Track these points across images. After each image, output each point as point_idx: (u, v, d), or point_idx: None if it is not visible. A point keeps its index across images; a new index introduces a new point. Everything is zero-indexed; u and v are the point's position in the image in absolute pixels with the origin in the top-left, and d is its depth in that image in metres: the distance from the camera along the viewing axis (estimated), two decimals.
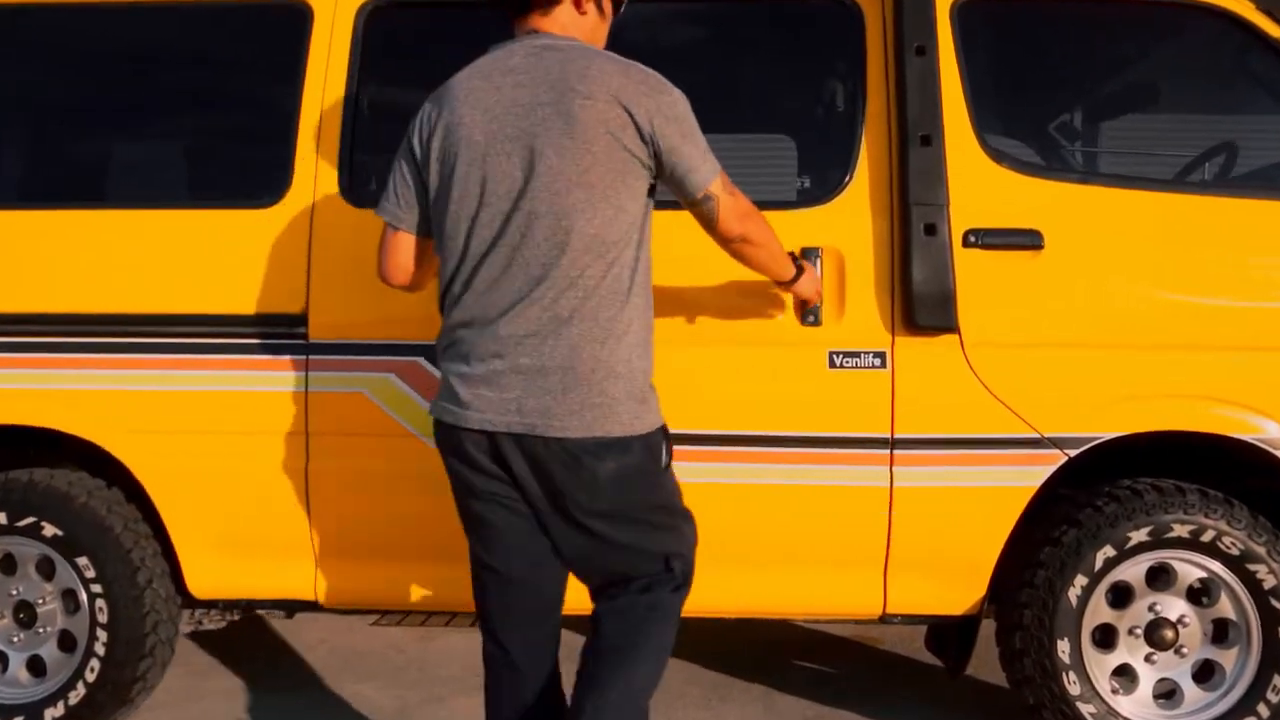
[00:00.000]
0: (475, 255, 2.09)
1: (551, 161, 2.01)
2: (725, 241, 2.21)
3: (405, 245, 2.26)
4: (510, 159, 2.04)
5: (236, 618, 3.42)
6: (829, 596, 2.82)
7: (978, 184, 2.73)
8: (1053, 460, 2.70)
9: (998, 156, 2.75)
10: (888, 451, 2.71)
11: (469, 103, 2.09)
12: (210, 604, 3.07)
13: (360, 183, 2.91)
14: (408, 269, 2.28)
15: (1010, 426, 2.69)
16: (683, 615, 2.24)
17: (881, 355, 2.70)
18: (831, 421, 2.72)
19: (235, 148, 3.10)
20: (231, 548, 2.93)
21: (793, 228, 2.73)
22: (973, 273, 2.70)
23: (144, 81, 3.10)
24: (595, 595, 2.25)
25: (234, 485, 2.88)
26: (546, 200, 2.02)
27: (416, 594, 2.93)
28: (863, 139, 2.78)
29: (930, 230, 2.69)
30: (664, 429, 2.17)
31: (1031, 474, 2.71)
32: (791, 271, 2.43)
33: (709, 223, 2.17)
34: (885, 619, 2.86)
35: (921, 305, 2.68)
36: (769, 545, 2.78)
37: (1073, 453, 2.69)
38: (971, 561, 2.77)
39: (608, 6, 2.25)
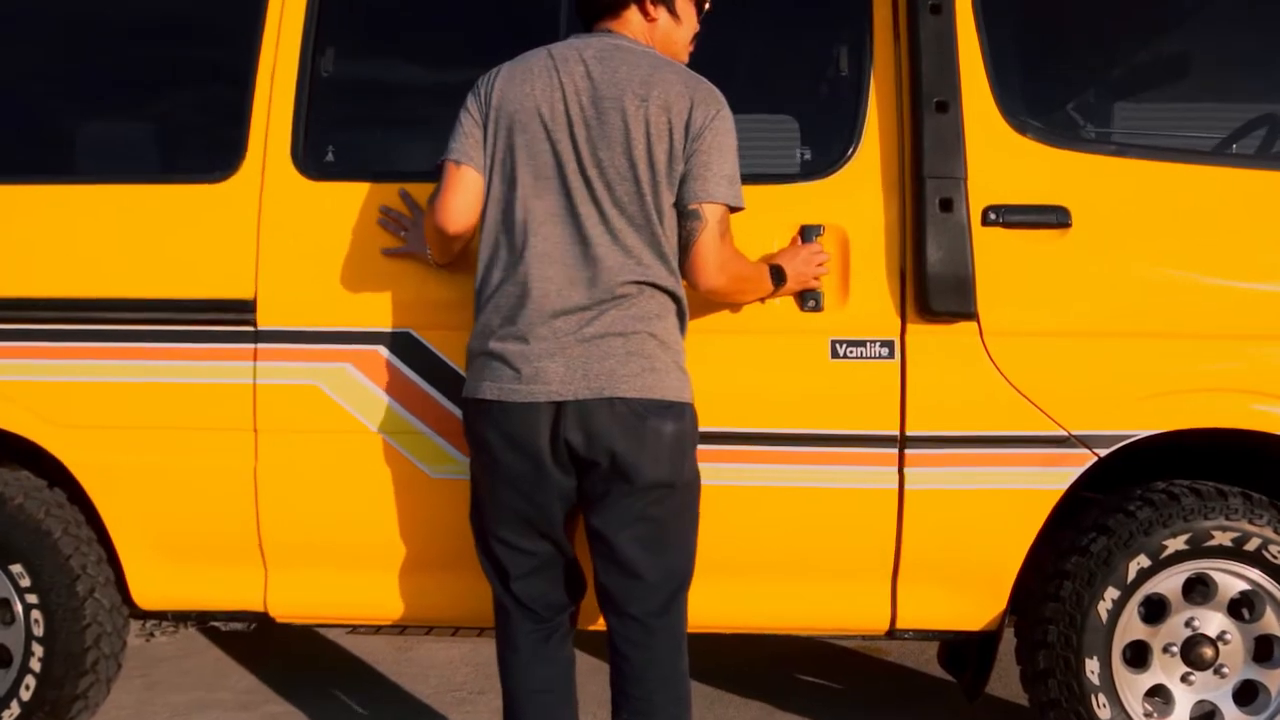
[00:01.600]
0: (527, 234, 2.16)
1: (603, 154, 2.14)
2: (694, 284, 2.23)
3: (472, 183, 2.24)
4: (570, 141, 2.16)
5: (191, 629, 3.17)
6: (828, 610, 2.60)
7: (999, 155, 2.50)
8: (1081, 461, 2.47)
9: (1021, 125, 2.52)
10: (896, 451, 2.48)
11: (542, 77, 2.19)
12: (159, 615, 2.82)
13: (316, 153, 2.67)
14: (469, 214, 2.25)
15: (1034, 423, 2.47)
16: None
17: (890, 345, 2.48)
18: (833, 418, 2.50)
19: (178, 117, 2.86)
20: (178, 555, 2.69)
21: (791, 203, 2.51)
22: (993, 254, 2.47)
23: (79, 46, 2.85)
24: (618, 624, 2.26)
25: (178, 487, 2.65)
26: (591, 191, 2.15)
27: (377, 607, 2.69)
28: (869, 106, 2.54)
29: (946, 206, 2.46)
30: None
31: (1057, 476, 2.48)
32: (769, 287, 2.41)
33: (685, 247, 2.19)
34: (894, 634, 2.64)
35: (936, 289, 2.45)
36: (761, 554, 2.56)
37: (1103, 452, 2.47)
38: (990, 572, 2.54)
39: (684, 11, 2.33)
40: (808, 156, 2.65)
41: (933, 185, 2.46)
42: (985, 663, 2.66)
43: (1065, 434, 2.46)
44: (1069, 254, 2.47)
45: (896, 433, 2.48)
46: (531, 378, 2.15)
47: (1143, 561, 2.49)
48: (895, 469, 2.49)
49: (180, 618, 2.84)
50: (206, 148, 2.70)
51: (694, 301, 2.35)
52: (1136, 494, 2.55)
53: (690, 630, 2.30)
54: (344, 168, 2.68)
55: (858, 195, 2.52)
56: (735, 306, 2.46)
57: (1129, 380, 2.46)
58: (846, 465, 2.50)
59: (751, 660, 3.65)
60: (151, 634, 3.05)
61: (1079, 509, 2.59)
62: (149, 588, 2.73)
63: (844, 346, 2.50)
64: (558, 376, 2.14)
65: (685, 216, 2.19)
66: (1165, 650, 2.54)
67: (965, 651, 2.82)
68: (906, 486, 2.50)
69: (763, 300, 2.45)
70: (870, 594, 2.57)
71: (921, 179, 2.47)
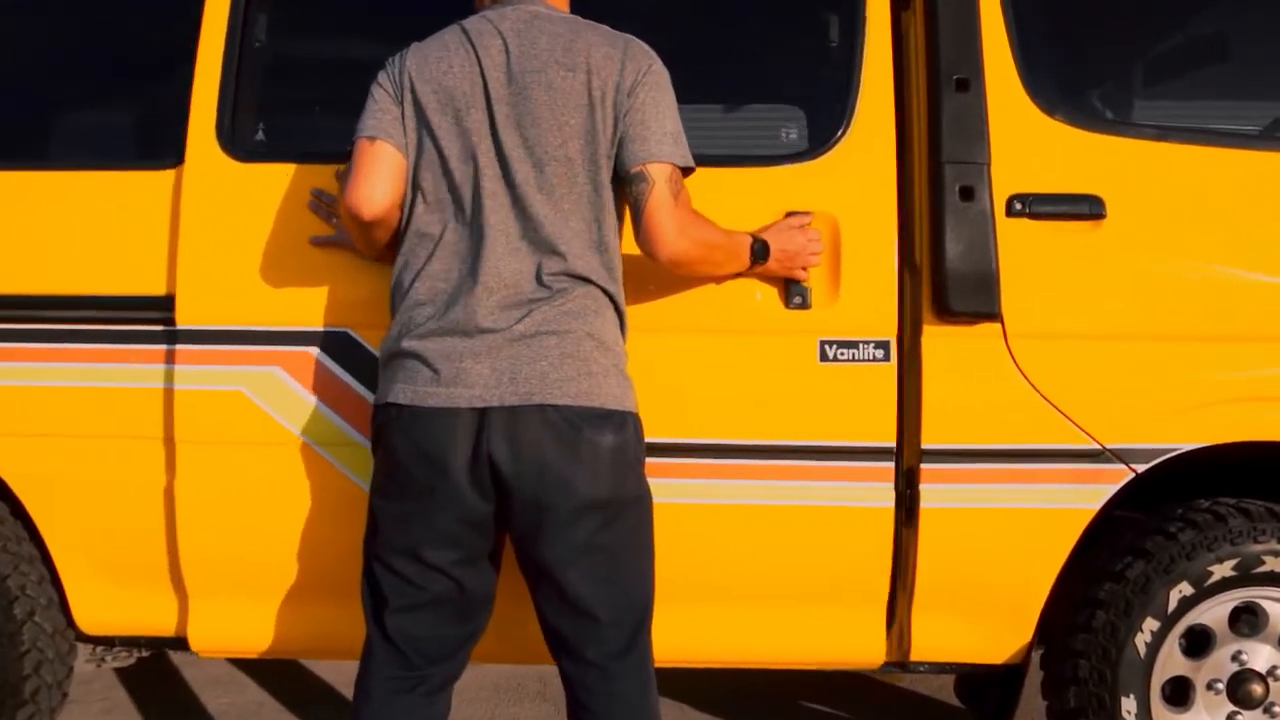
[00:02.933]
0: (448, 215, 1.99)
1: (529, 132, 1.95)
2: (654, 254, 1.98)
3: (388, 159, 2.00)
4: (492, 121, 1.96)
5: (146, 654, 2.95)
6: (814, 642, 2.35)
7: (1025, 139, 2.28)
8: (1116, 477, 2.25)
9: (1049, 106, 2.29)
10: (892, 465, 2.26)
11: (458, 54, 2.00)
12: (104, 640, 2.60)
13: (244, 133, 2.42)
14: (386, 195, 2.00)
15: (1064, 436, 2.24)
16: None
17: (885, 346, 2.25)
18: (821, 428, 2.26)
19: (88, 94, 2.61)
20: (114, 575, 2.47)
21: (774, 189, 2.27)
22: (1019, 247, 2.25)
23: None
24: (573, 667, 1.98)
25: (102, 500, 2.41)
26: (531, 173, 1.95)
27: (309, 639, 2.44)
28: (862, 81, 2.30)
29: (967, 195, 2.24)
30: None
31: (1090, 494, 2.26)
32: (746, 260, 2.15)
33: (636, 215, 1.97)
34: (909, 667, 2.42)
35: (956, 287, 2.23)
36: (738, 580, 2.32)
37: (1140, 468, 2.25)
38: (1015, 600, 2.32)
39: None
40: (793, 136, 2.40)
41: (952, 171, 2.24)
42: (1009, 699, 2.45)
43: (1099, 448, 2.24)
44: (1103, 248, 2.25)
45: (893, 445, 2.26)
46: (452, 379, 1.91)
47: (1185, 589, 2.26)
48: (891, 485, 2.27)
49: (127, 643, 2.61)
50: (121, 127, 2.47)
51: (664, 296, 2.15)
52: (1177, 514, 2.32)
53: (658, 665, 2.06)
54: (276, 148, 2.43)
55: (850, 179, 2.28)
56: (704, 283, 2.19)
57: (1169, 388, 2.24)
58: (836, 481, 2.27)
59: (755, 681, 3.43)
60: (102, 659, 2.83)
61: (1113, 530, 2.36)
62: (90, 610, 2.51)
63: (834, 348, 2.26)
64: (482, 379, 1.90)
65: (630, 182, 1.96)
66: (1209, 687, 2.32)
67: (985, 685, 2.61)
68: (922, 505, 2.27)
69: (741, 275, 2.19)
70: (862, 623, 2.34)
71: (939, 165, 2.25)
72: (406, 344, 1.96)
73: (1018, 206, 2.25)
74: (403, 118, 2.00)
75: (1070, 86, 2.36)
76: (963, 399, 2.27)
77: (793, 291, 2.25)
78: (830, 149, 2.30)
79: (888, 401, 2.25)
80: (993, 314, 2.24)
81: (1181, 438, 2.24)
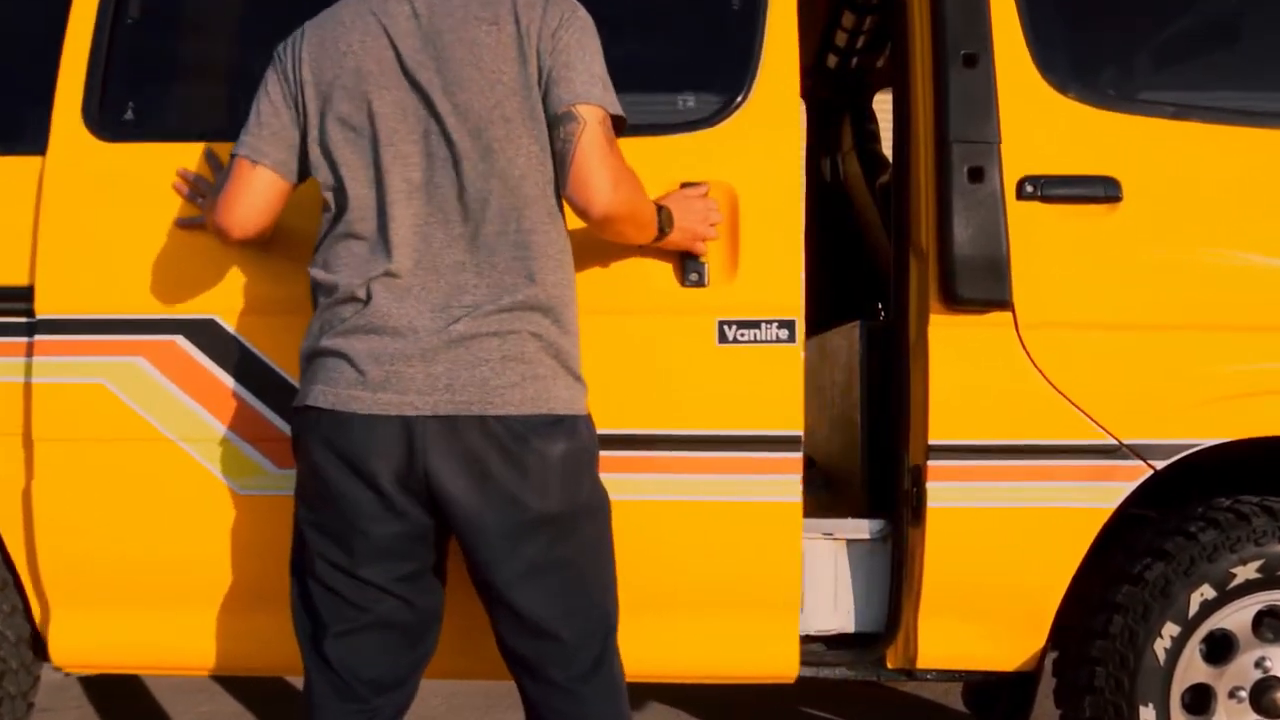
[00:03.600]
0: (374, 209, 1.78)
1: (459, 97, 1.75)
2: (584, 208, 1.76)
3: (265, 187, 1.86)
4: (413, 95, 1.76)
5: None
6: (718, 652, 2.19)
7: (1036, 118, 2.17)
8: (1133, 474, 2.14)
9: (1062, 83, 2.18)
10: (799, 455, 2.12)
11: (358, 28, 1.80)
12: None
13: (113, 111, 2.27)
14: (260, 219, 1.88)
15: (1079, 431, 2.13)
16: None
17: (789, 326, 2.11)
18: (720, 416, 2.12)
19: None
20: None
21: (670, 158, 2.12)
22: (1030, 232, 2.15)
23: None
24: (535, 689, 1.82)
25: None
26: (459, 141, 1.75)
27: (177, 653, 2.28)
28: (764, 44, 2.16)
29: (976, 176, 2.13)
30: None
31: (1106, 492, 2.15)
32: (654, 231, 1.96)
33: (562, 161, 1.75)
34: (915, 674, 2.30)
35: (965, 274, 2.12)
36: (633, 584, 2.11)
37: (1159, 464, 2.14)
38: (1027, 604, 2.20)
39: None
40: (690, 103, 2.25)
41: (960, 151, 2.13)
42: (1020, 708, 2.35)
43: (1115, 443, 2.13)
44: (1119, 232, 2.15)
45: (799, 433, 2.12)
46: (381, 383, 1.72)
47: (1207, 592, 2.14)
48: (798, 478, 2.13)
49: None
50: None
51: None
52: (1198, 512, 2.20)
53: None
54: (145, 127, 2.29)
55: (750, 148, 2.14)
56: (628, 240, 1.97)
57: (1190, 380, 2.13)
58: (738, 474, 2.12)
59: (749, 690, 3.30)
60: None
61: (1130, 530, 2.25)
62: (39, 619, 2.37)
63: (734, 329, 2.11)
64: (415, 385, 1.70)
65: (557, 124, 1.74)
66: (1231, 695, 2.20)
67: (995, 692, 2.49)
68: (929, 504, 2.16)
69: (647, 246, 2.02)
70: (771, 632, 2.18)
71: (946, 144, 2.14)
72: (328, 342, 1.77)
73: (1029, 189, 2.14)
74: (299, 118, 1.82)
75: (1083, 62, 2.24)
76: (971, 392, 2.16)
77: (688, 268, 2.10)
78: (729, 116, 2.15)
79: (793, 386, 2.11)
80: (1003, 302, 2.13)
81: (1202, 433, 2.13)
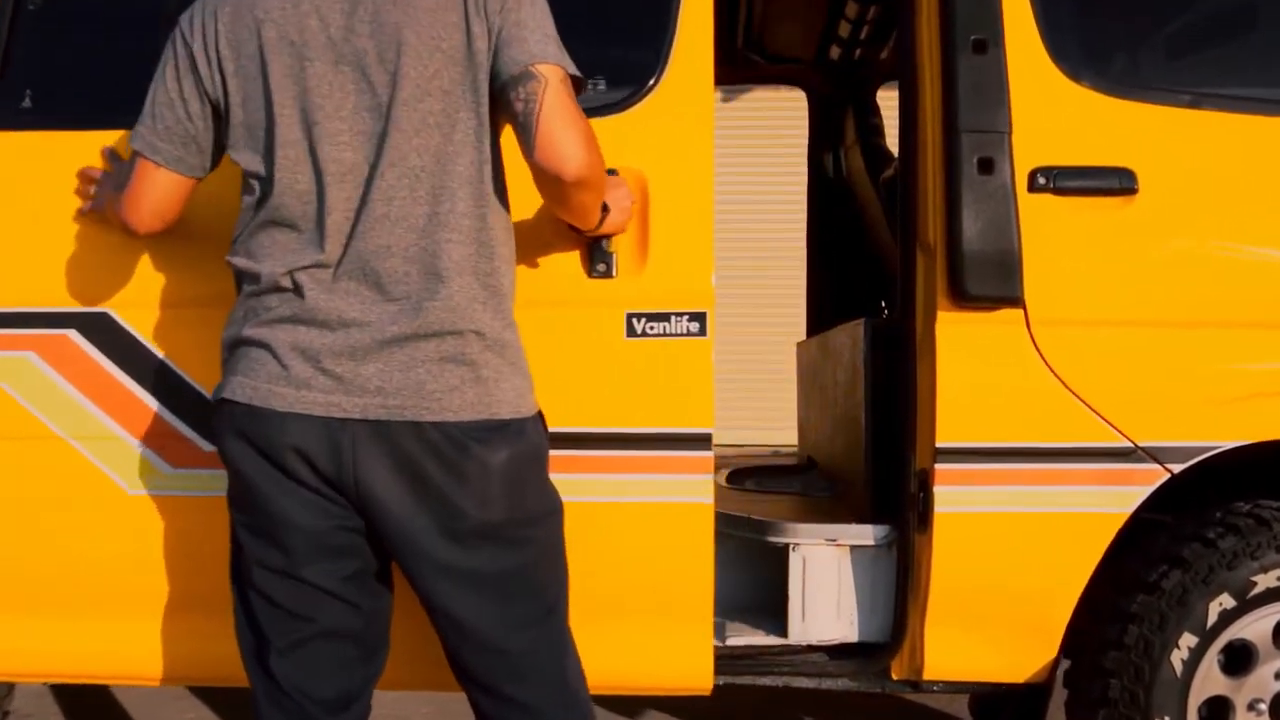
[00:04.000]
0: (301, 192, 1.62)
1: (394, 66, 1.57)
2: (556, 171, 1.56)
3: (167, 183, 1.72)
4: (341, 68, 1.59)
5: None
6: (624, 663, 2.10)
7: (1049, 107, 2.09)
8: (1149, 478, 2.06)
9: (1075, 70, 2.10)
10: (710, 454, 2.03)
11: (269, 4, 1.62)
12: None
13: (10, 99, 2.18)
14: (167, 214, 1.76)
15: (1093, 433, 2.06)
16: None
17: (700, 319, 2.03)
18: (628, 412, 2.03)
19: None
20: None
21: None
22: (1042, 225, 2.07)
23: None
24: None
25: None
26: (394, 115, 1.58)
27: (73, 661, 2.18)
28: (677, 26, 2.06)
29: (986, 167, 2.05)
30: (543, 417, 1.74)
31: (1120, 496, 2.07)
32: (598, 217, 1.83)
33: (526, 124, 1.54)
34: (921, 686, 2.22)
35: (974, 269, 2.04)
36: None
37: (1176, 468, 2.06)
38: (1038, 613, 2.12)
39: None
40: (600, 86, 2.15)
41: (970, 141, 2.05)
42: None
43: (1130, 446, 2.06)
44: (1135, 226, 2.07)
45: (709, 431, 2.03)
46: (305, 380, 1.57)
47: (1226, 601, 2.06)
48: (709, 478, 2.04)
49: None
50: None
51: None
52: (1216, 517, 2.12)
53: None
54: (42, 115, 2.19)
55: (662, 134, 2.05)
56: (578, 216, 1.82)
57: (1208, 380, 2.06)
58: (646, 474, 2.03)
59: (745, 693, 3.22)
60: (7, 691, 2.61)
61: (1145, 536, 2.17)
62: None
63: (642, 321, 2.03)
64: (343, 385, 1.56)
65: (515, 84, 1.55)
66: (1251, 708, 2.12)
67: (1001, 704, 2.41)
68: (936, 509, 2.08)
69: (583, 234, 1.92)
70: (682, 641, 2.09)
71: (955, 134, 2.06)
72: (251, 331, 1.62)
73: (1041, 180, 2.07)
74: (218, 93, 1.64)
75: (1097, 48, 2.17)
76: (980, 392, 2.08)
77: (596, 258, 2.00)
78: (640, 101, 2.07)
79: (704, 381, 2.03)
80: (1014, 298, 2.05)
81: (1222, 434, 2.05)
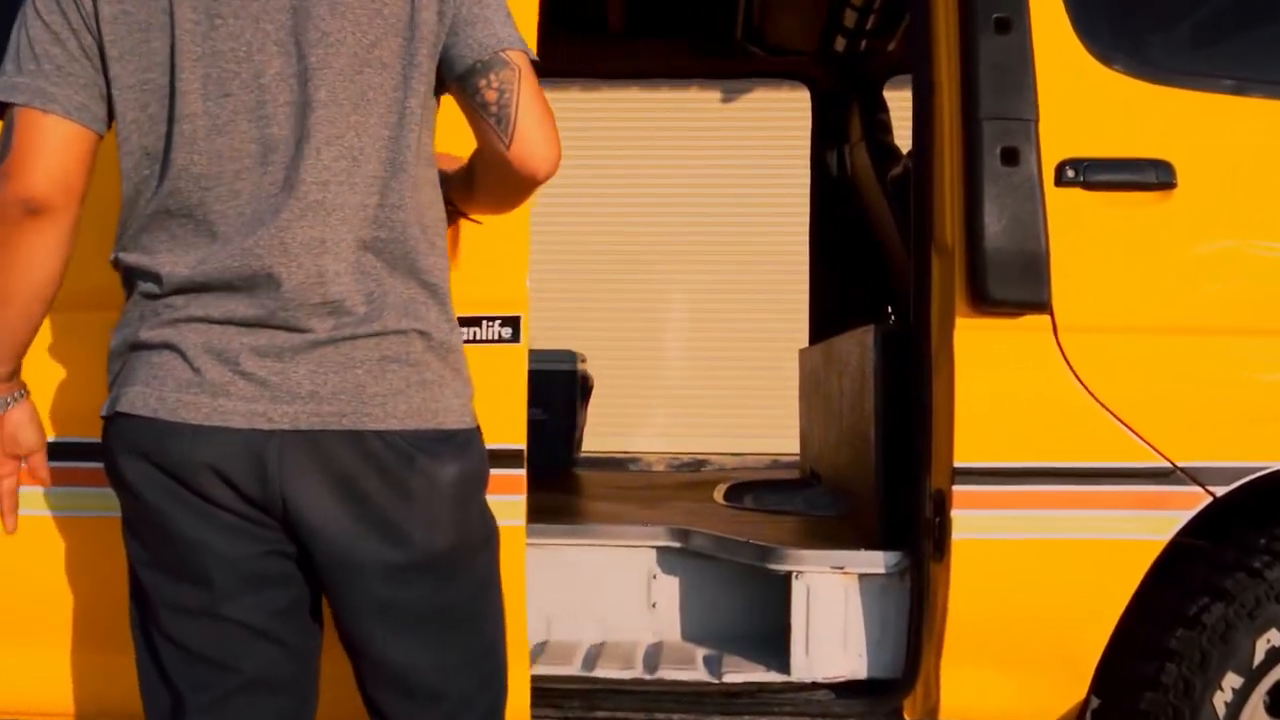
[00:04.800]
0: (207, 175, 1.36)
1: (327, 26, 1.35)
2: (531, 169, 1.41)
3: (65, 141, 1.36)
4: (263, 26, 1.35)
5: None
6: None
7: (1078, 92, 1.95)
8: (1190, 502, 1.92)
9: (1107, 53, 1.95)
10: (521, 471, 1.89)
11: None
12: None
13: None
14: (73, 182, 1.38)
15: (1127, 452, 1.91)
16: None
17: (514, 324, 1.92)
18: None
19: None
20: None
21: None
22: (1072, 223, 1.93)
23: None
24: None
25: None
26: (327, 85, 1.35)
27: None
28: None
29: (1010, 158, 1.91)
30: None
31: (1158, 522, 1.92)
32: None
33: (500, 113, 1.38)
34: None
35: (997, 271, 1.90)
36: None
37: (1219, 490, 1.91)
38: (1066, 650, 1.97)
39: None
40: None
41: (992, 130, 1.90)
42: None
43: (1169, 466, 1.91)
44: (1173, 223, 1.94)
45: (522, 447, 1.89)
46: (223, 387, 1.34)
47: (1275, 638, 1.91)
48: (522, 499, 1.90)
49: None
50: None
51: None
52: (1261, 545, 1.97)
53: None
54: None
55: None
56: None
57: (1254, 393, 1.92)
58: None
59: None
60: None
61: (1183, 564, 2.01)
62: None
63: None
64: (269, 390, 1.34)
65: (486, 70, 1.37)
66: None
67: None
68: (954, 536, 1.93)
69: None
70: None
71: (976, 122, 1.92)
72: (151, 332, 1.37)
73: (1070, 174, 1.93)
74: (97, 57, 1.38)
75: (1131, 29, 2.02)
76: (1003, 406, 1.94)
77: None
78: None
79: (517, 392, 1.90)
80: (1040, 303, 1.92)
81: (1270, 454, 1.90)
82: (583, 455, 4.14)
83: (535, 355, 4.60)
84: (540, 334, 6.81)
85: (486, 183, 1.48)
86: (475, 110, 1.39)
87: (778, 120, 6.91)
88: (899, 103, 3.40)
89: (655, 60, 3.88)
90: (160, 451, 1.33)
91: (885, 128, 3.47)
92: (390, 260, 1.38)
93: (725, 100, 7.30)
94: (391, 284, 1.38)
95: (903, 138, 3.15)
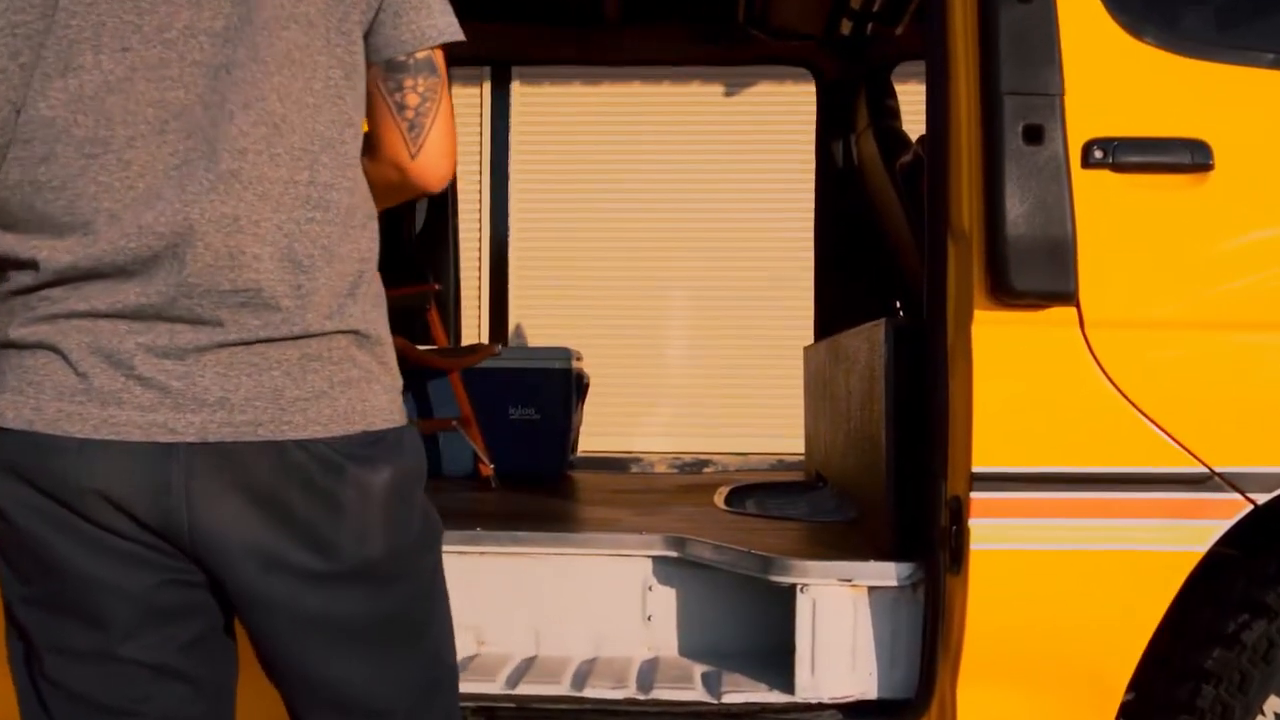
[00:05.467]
0: (90, 140, 1.20)
1: (247, 3, 1.23)
2: (423, 182, 1.35)
3: None
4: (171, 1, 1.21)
5: None
6: None
7: (1106, 67, 1.84)
8: (1229, 510, 1.81)
9: (1137, 24, 1.84)
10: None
11: None
12: None
13: None
14: None
15: (1160, 456, 1.81)
16: None
17: None
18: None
19: None
20: None
21: None
22: (1100, 208, 1.82)
23: None
24: None
25: None
26: (246, 43, 1.21)
27: None
28: None
29: (1033, 136, 1.79)
30: None
31: (1194, 532, 1.82)
32: None
33: (416, 120, 1.32)
34: None
35: (1019, 259, 1.79)
36: None
37: (1260, 498, 1.80)
38: (1093, 669, 1.88)
39: None
40: None
41: (1014, 105, 1.79)
42: None
43: (1205, 471, 1.81)
44: (1209, 208, 1.84)
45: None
46: (114, 394, 1.18)
47: None
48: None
49: None
50: None
51: None
52: None
53: None
54: None
55: None
56: None
57: None
58: None
59: None
60: None
61: (1219, 576, 1.91)
62: None
63: None
64: (172, 398, 1.18)
65: (414, 71, 1.29)
66: None
67: None
68: (972, 546, 1.83)
69: None
70: None
71: (996, 98, 1.80)
72: (23, 330, 1.21)
73: (1098, 154, 1.82)
74: None
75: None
76: (1025, 407, 1.85)
77: None
78: None
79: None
80: (1066, 295, 1.81)
81: None
82: (581, 456, 4.06)
83: (528, 353, 4.54)
84: (539, 332, 6.80)
85: (375, 183, 1.37)
86: (387, 107, 1.30)
87: (781, 114, 6.88)
88: (906, 96, 3.32)
89: (651, 46, 3.80)
90: (38, 470, 1.18)
91: (894, 114, 3.38)
92: (325, 247, 1.23)
93: (728, 94, 7.25)
94: (325, 276, 1.23)
95: (911, 129, 3.07)
